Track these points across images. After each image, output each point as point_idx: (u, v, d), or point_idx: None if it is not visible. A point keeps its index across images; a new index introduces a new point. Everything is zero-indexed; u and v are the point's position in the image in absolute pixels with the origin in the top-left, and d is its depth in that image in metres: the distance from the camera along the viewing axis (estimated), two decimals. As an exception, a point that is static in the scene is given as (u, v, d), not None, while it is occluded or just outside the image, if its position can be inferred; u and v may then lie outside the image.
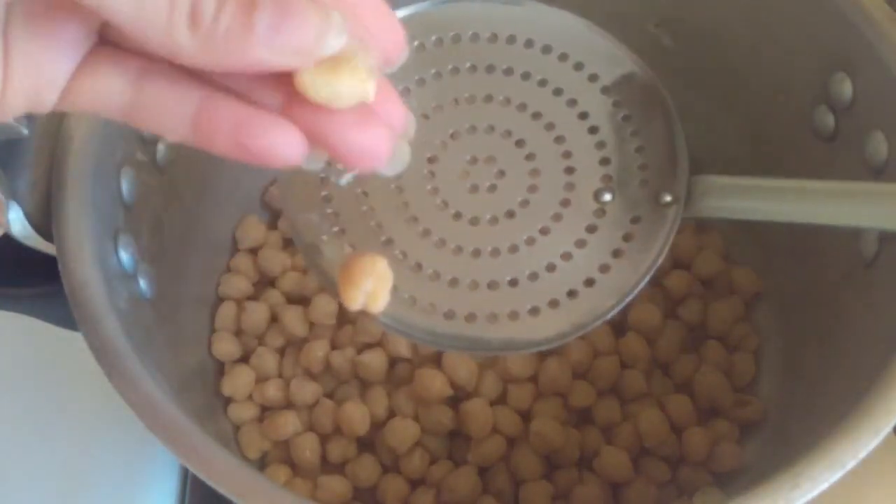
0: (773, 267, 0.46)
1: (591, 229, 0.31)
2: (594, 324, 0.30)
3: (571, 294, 0.30)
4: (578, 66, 0.32)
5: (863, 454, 0.28)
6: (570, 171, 0.31)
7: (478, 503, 0.41)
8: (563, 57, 0.33)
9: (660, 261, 0.30)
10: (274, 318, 0.46)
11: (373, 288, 0.28)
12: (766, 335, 0.46)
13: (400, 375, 0.44)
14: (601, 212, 0.31)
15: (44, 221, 0.33)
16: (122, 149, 0.36)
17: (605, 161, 0.31)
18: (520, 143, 0.32)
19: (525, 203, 0.31)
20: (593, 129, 0.32)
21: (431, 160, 0.31)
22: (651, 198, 0.31)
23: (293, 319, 0.45)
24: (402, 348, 0.44)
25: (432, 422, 0.42)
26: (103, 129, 0.35)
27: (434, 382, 0.42)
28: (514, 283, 0.30)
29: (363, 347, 0.44)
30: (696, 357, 0.44)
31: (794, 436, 0.39)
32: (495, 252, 0.30)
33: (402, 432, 0.41)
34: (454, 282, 0.30)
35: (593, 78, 0.32)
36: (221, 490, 0.28)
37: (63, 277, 0.32)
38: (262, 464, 0.44)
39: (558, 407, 0.42)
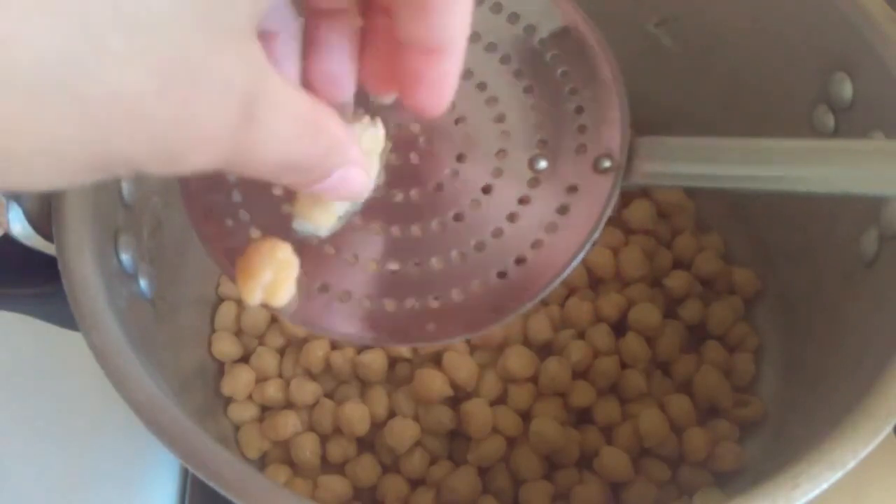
0: (773, 267, 0.46)
1: (525, 201, 0.28)
2: (523, 307, 0.27)
3: (501, 275, 0.27)
4: (513, 18, 0.29)
5: (863, 454, 0.28)
6: (504, 135, 0.28)
7: (478, 503, 0.41)
8: (496, 7, 0.29)
9: (596, 235, 0.27)
10: (274, 318, 0.46)
11: (273, 278, 0.25)
12: (766, 335, 0.46)
13: (400, 375, 0.44)
14: (535, 181, 0.28)
15: (44, 221, 0.33)
16: (122, 149, 0.36)
17: (540, 125, 0.28)
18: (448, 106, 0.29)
19: (454, 174, 0.28)
20: (528, 89, 0.29)
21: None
22: (590, 164, 0.28)
23: (293, 319, 0.45)
24: (403, 348, 0.44)
25: (432, 422, 0.42)
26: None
27: (434, 382, 0.42)
28: (443, 263, 0.27)
29: (363, 347, 0.44)
30: (696, 357, 0.44)
31: (794, 436, 0.39)
32: (423, 230, 0.28)
33: (402, 432, 0.41)
34: (374, 264, 0.27)
35: (529, 30, 0.29)
36: (221, 490, 0.28)
37: (63, 277, 0.32)
38: (262, 464, 0.44)
39: (558, 407, 0.42)
